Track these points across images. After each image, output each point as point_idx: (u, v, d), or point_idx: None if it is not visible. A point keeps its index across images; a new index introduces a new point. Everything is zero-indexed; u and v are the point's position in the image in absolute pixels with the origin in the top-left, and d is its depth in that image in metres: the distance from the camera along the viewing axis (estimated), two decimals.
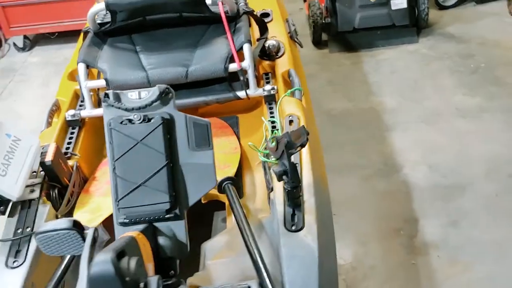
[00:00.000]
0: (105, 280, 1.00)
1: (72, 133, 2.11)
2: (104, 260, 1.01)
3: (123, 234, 1.39)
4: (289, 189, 1.50)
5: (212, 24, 2.27)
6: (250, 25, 2.38)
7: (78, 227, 1.24)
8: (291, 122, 1.90)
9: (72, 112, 2.13)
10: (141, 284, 1.08)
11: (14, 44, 4.61)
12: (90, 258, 1.16)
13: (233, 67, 2.08)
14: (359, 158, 2.90)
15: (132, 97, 1.48)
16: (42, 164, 1.79)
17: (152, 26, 2.28)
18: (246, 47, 2.08)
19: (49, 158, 1.81)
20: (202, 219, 2.00)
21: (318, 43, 4.04)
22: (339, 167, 2.80)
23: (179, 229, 1.43)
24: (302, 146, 1.44)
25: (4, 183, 1.60)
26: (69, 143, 2.06)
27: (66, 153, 2.00)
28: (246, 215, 1.78)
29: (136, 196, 1.41)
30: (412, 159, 2.85)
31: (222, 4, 2.12)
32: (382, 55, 3.85)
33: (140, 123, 1.43)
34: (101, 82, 2.11)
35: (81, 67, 2.11)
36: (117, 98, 1.47)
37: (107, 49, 2.23)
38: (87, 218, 1.75)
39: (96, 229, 1.27)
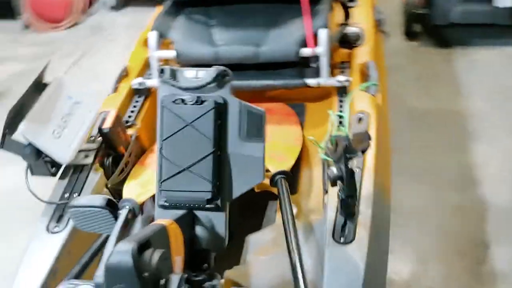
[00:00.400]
0: (121, 271, 0.94)
1: (137, 101, 2.08)
2: (123, 250, 0.95)
3: (161, 216, 1.33)
4: (343, 197, 1.37)
5: (291, 3, 2.13)
6: (332, 8, 2.22)
7: (112, 206, 1.20)
8: (360, 120, 1.74)
9: (139, 80, 2.10)
10: (162, 281, 1.01)
11: (106, 3, 4.72)
12: (118, 241, 1.10)
13: (306, 52, 1.94)
14: (434, 165, 2.67)
15: (189, 75, 1.40)
16: (100, 130, 1.77)
17: (225, 2, 2.19)
18: (322, 32, 1.94)
19: (107, 125, 1.79)
20: (253, 208, 1.91)
21: (410, 34, 3.77)
22: (410, 172, 2.60)
23: (219, 221, 1.35)
24: (363, 152, 1.30)
25: (57, 145, 1.59)
26: (132, 111, 2.04)
27: (127, 122, 1.98)
28: (297, 214, 1.68)
29: (179, 180, 1.34)
30: (494, 175, 2.58)
31: None
32: (478, 55, 3.51)
33: (192, 104, 1.35)
34: (170, 53, 2.06)
35: (153, 36, 2.06)
36: (173, 75, 1.40)
37: (181, 19, 2.17)
38: (137, 191, 1.71)
39: (130, 210, 1.22)
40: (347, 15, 2.27)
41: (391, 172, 1.81)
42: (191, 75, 1.40)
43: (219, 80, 1.37)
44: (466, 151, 2.71)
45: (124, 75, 2.17)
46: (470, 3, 3.44)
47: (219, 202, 1.34)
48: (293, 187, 1.81)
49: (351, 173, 1.32)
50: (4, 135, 1.50)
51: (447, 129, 2.88)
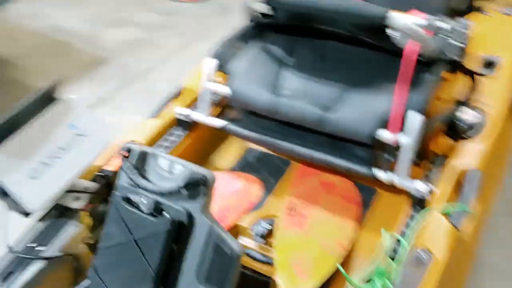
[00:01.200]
0: None
1: (171, 134, 1.75)
2: None
3: None
4: None
5: (395, 56, 1.57)
6: (455, 71, 1.63)
7: None
8: (419, 261, 1.22)
9: (184, 110, 1.76)
10: None
11: None
12: None
13: (384, 136, 1.43)
14: None
15: (162, 165, 1.02)
16: (101, 171, 1.48)
17: (319, 35, 1.71)
18: (414, 117, 1.39)
19: (112, 166, 1.50)
20: None
21: None
22: None
23: None
24: None
25: (30, 187, 1.31)
26: (162, 145, 1.71)
27: None
28: None
29: None
30: None
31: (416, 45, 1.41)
32: None
33: (146, 213, 0.97)
34: (224, 89, 1.67)
35: (210, 63, 1.69)
36: (142, 159, 1.03)
37: (254, 47, 1.75)
38: None
39: None
40: (472, 89, 1.66)
41: None
42: (165, 166, 1.02)
43: (192, 189, 0.97)
44: None
45: (174, 98, 1.85)
46: None
47: None
48: None
49: None
50: None
51: None
